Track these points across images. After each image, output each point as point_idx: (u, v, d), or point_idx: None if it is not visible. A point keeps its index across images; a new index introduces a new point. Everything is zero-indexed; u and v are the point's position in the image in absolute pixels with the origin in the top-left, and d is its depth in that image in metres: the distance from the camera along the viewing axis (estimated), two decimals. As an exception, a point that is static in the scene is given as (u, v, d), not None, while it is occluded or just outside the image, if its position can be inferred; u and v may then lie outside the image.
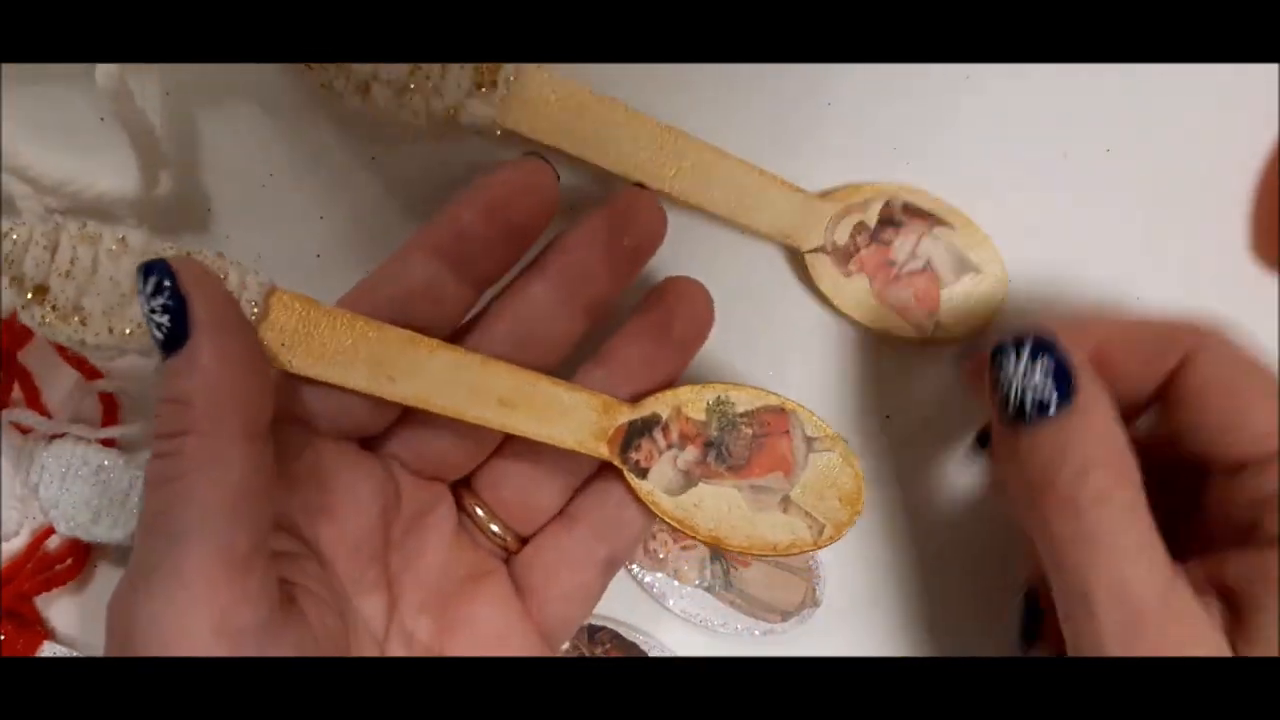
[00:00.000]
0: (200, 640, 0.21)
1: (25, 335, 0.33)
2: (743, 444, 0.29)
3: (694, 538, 0.29)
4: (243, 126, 0.31)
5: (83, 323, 0.25)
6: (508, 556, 0.30)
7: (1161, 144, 0.33)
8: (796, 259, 0.33)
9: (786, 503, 0.29)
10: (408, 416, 0.28)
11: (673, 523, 0.29)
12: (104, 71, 0.28)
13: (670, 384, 0.29)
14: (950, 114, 0.33)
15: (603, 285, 0.28)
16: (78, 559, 0.33)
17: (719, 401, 0.29)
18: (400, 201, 0.32)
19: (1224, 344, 0.27)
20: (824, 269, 0.33)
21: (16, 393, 0.33)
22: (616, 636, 0.35)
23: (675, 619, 0.35)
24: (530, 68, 0.29)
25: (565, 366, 0.29)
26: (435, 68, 0.28)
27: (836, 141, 0.32)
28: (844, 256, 0.33)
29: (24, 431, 0.33)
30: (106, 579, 0.34)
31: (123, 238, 0.25)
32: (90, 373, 0.33)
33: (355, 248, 0.32)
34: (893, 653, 0.36)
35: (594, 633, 0.35)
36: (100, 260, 0.25)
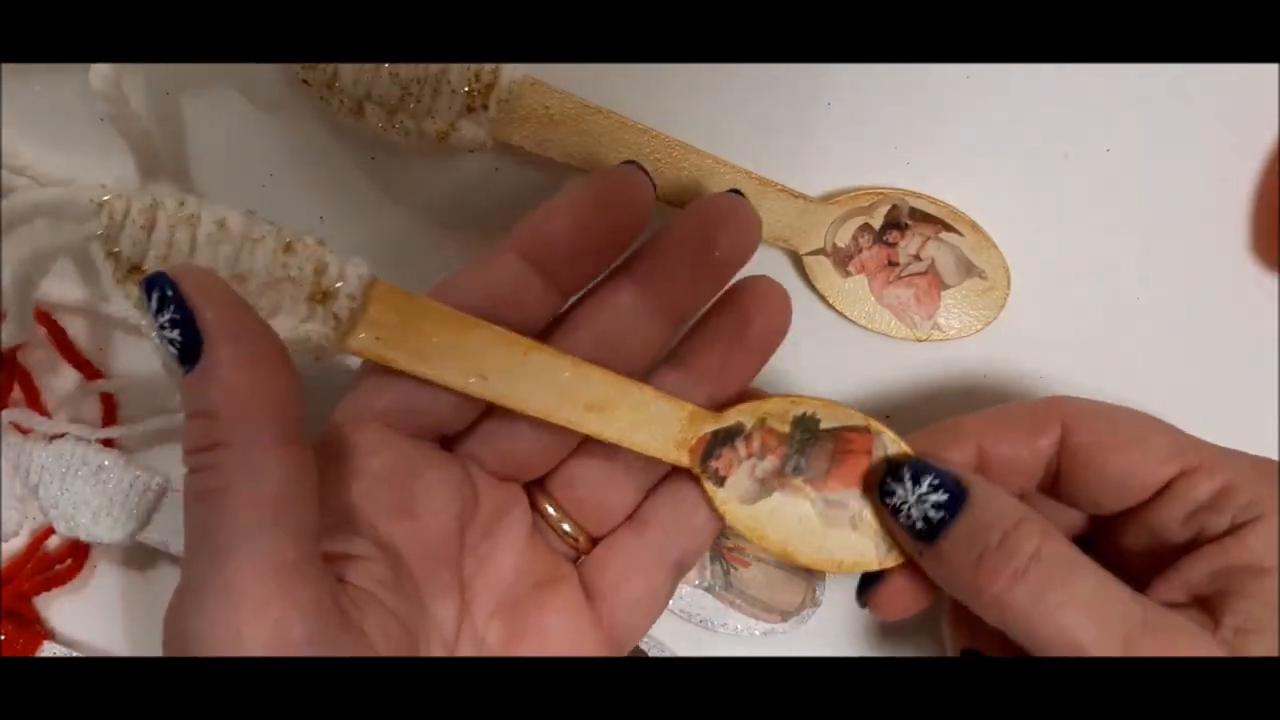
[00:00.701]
0: (250, 653, 0.21)
1: (25, 335, 0.33)
2: (822, 459, 0.29)
3: (763, 547, 0.29)
4: (242, 126, 0.31)
5: None
6: (578, 557, 0.30)
7: (1161, 144, 0.33)
8: (798, 259, 0.33)
9: (857, 520, 0.29)
10: (487, 416, 0.28)
11: (744, 531, 0.28)
12: (98, 73, 0.28)
13: (745, 386, 0.29)
14: (950, 114, 0.33)
15: (690, 297, 0.28)
16: (77, 559, 0.33)
17: (805, 417, 0.29)
18: (400, 201, 0.32)
19: (1090, 403, 0.28)
20: (822, 270, 0.33)
21: (16, 393, 0.33)
22: (616, 636, 0.35)
23: (675, 619, 0.35)
24: (524, 83, 0.29)
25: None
26: (427, 89, 0.28)
27: (836, 142, 0.32)
28: (844, 258, 0.33)
29: (24, 431, 0.33)
30: (106, 579, 0.34)
31: (222, 221, 0.24)
32: (90, 373, 0.33)
33: (354, 248, 0.32)
34: (892, 653, 0.36)
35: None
36: (199, 245, 0.24)
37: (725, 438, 0.28)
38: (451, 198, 0.32)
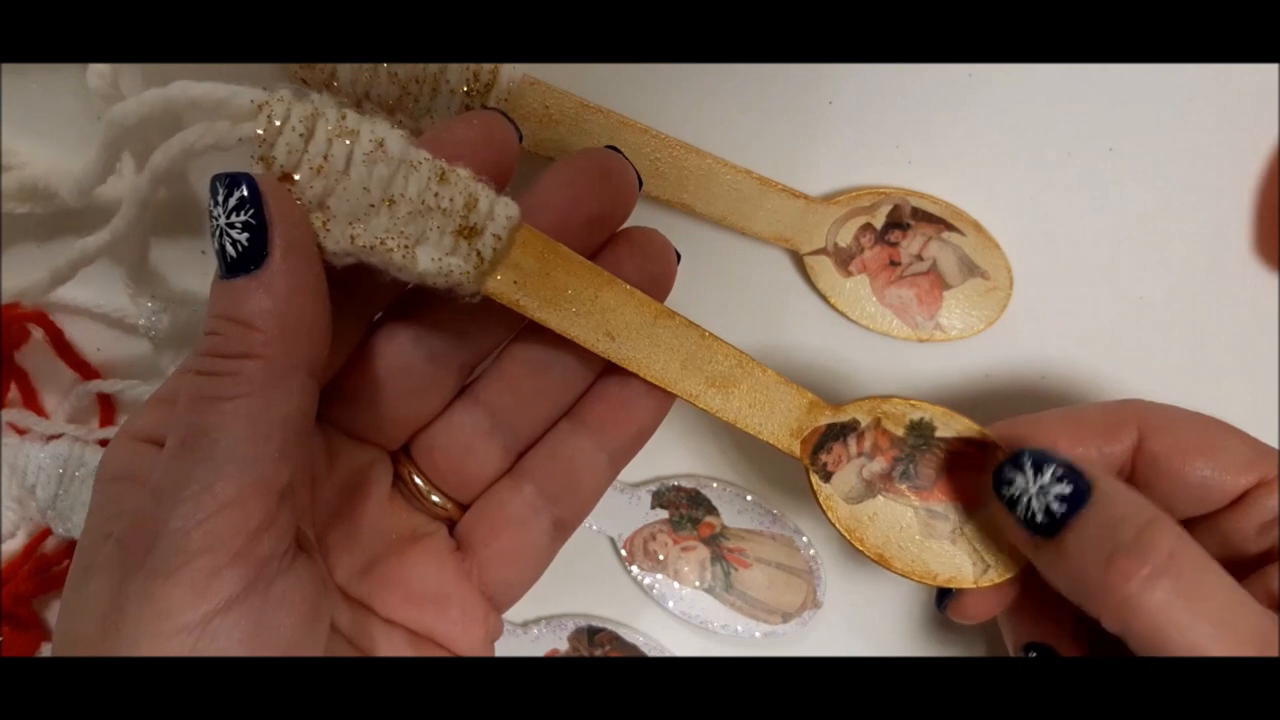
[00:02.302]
0: (222, 557, 0.21)
1: (23, 335, 0.33)
2: (931, 467, 0.28)
3: (859, 550, 0.28)
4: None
5: (325, 225, 0.23)
6: (452, 523, 0.29)
7: (1163, 143, 0.33)
8: (800, 259, 0.33)
9: (957, 535, 0.28)
10: (342, 379, 0.27)
11: (842, 531, 0.28)
12: (95, 72, 0.28)
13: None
14: (952, 113, 0.32)
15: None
16: (75, 560, 0.33)
17: (921, 422, 0.28)
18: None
19: (1165, 408, 0.28)
20: (823, 270, 0.33)
21: (14, 393, 0.33)
22: (616, 638, 0.35)
23: (675, 620, 0.35)
24: (523, 82, 0.29)
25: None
26: (425, 88, 0.28)
27: (838, 141, 0.32)
28: (846, 258, 0.33)
29: (21, 432, 0.33)
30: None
31: (381, 141, 0.23)
32: (88, 373, 0.33)
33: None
34: (893, 653, 0.36)
35: (594, 634, 0.35)
36: (354, 162, 0.23)
37: (838, 433, 0.28)
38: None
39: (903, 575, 0.28)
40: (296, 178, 0.23)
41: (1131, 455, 0.28)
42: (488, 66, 0.29)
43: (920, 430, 0.28)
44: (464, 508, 0.29)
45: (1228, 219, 0.34)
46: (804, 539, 0.35)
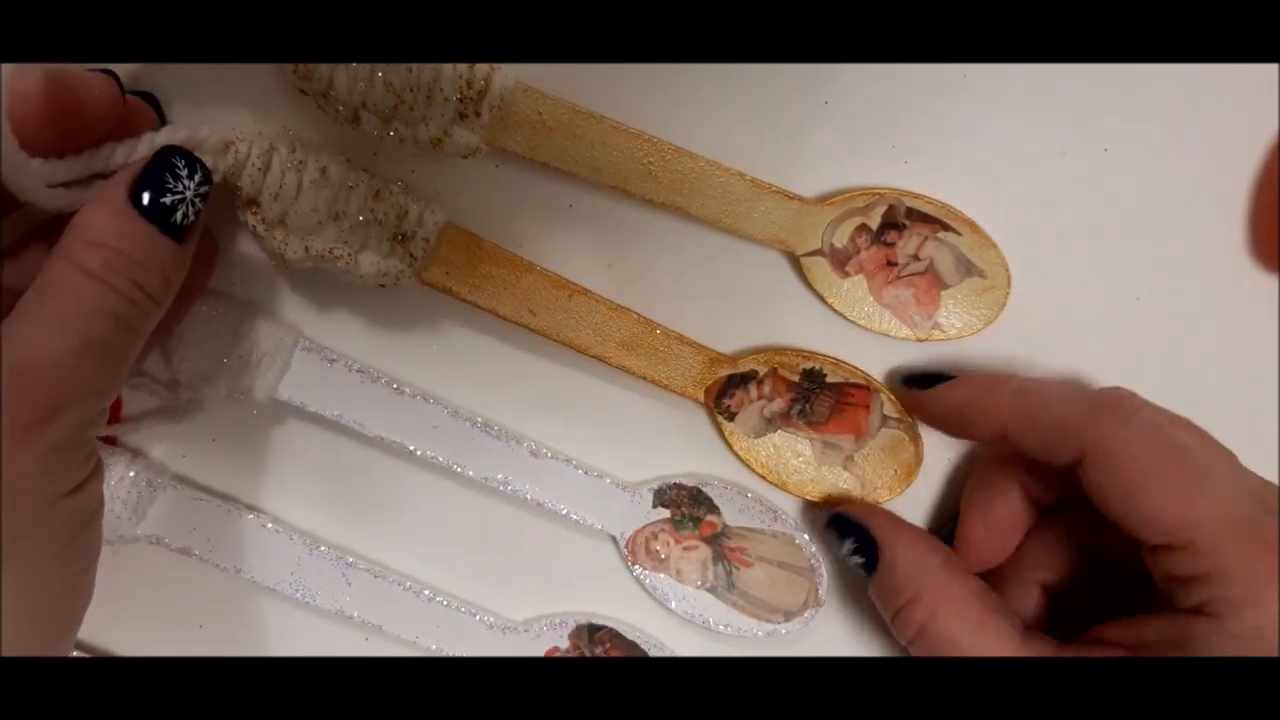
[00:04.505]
0: None
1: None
2: (826, 406, 0.33)
3: (761, 475, 0.33)
4: (239, 127, 0.31)
5: (284, 240, 0.28)
6: None
7: (1160, 143, 0.33)
8: (796, 261, 0.33)
9: (849, 462, 0.33)
10: None
11: (748, 460, 0.33)
12: None
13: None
14: (948, 113, 0.32)
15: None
16: (82, 559, 0.33)
17: (813, 370, 0.33)
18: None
19: (1120, 432, 0.28)
20: (820, 272, 0.33)
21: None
22: (616, 636, 0.35)
23: (677, 620, 0.35)
24: (516, 89, 0.29)
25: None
26: (420, 97, 0.28)
27: (833, 142, 0.32)
28: (842, 259, 0.33)
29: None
30: (106, 579, 0.34)
31: (324, 169, 0.28)
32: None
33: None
34: (895, 652, 0.36)
35: (594, 632, 0.35)
36: (304, 187, 0.28)
37: (740, 381, 0.33)
38: (452, 197, 0.32)
39: (799, 495, 0.34)
40: (260, 201, 0.28)
41: (1074, 464, 0.28)
42: (481, 74, 0.29)
43: (813, 377, 0.33)
44: None
45: (1224, 219, 0.34)
46: (805, 537, 0.35)
